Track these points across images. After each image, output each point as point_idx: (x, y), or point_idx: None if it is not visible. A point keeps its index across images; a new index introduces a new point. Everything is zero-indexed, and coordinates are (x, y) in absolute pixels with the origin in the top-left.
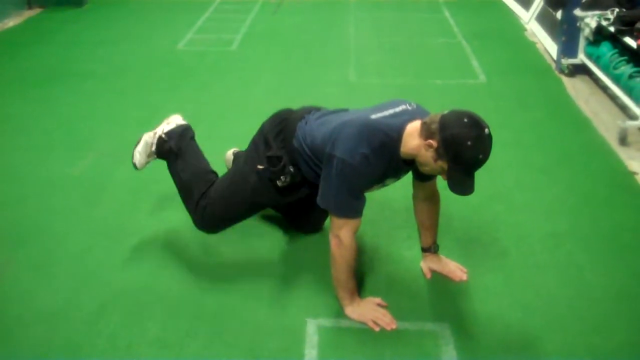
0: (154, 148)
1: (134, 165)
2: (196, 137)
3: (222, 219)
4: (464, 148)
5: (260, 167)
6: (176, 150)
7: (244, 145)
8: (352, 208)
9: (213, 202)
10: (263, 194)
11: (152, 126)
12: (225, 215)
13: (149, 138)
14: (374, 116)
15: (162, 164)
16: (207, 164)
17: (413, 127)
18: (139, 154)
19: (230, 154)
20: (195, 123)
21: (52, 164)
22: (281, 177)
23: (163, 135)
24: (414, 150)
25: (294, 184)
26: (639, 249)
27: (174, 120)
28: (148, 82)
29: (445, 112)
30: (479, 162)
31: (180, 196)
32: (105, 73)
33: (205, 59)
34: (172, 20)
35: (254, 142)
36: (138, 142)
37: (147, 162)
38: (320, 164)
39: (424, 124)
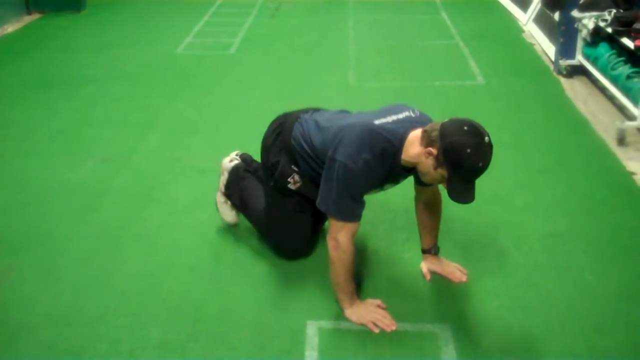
0: (229, 203)
1: (230, 224)
2: (197, 142)
3: (291, 239)
4: (463, 156)
5: (270, 184)
6: (240, 205)
7: (243, 148)
8: (352, 211)
9: (270, 232)
10: (293, 201)
11: (151, 131)
12: (289, 235)
13: (220, 198)
14: (377, 121)
15: (160, 169)
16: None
17: (414, 135)
18: (225, 215)
19: (233, 155)
20: (195, 127)
21: (53, 169)
22: (288, 179)
23: (225, 191)
24: (414, 158)
25: (309, 180)
26: (638, 249)
27: (225, 167)
28: (147, 86)
29: (446, 120)
30: (478, 171)
31: (265, 239)
32: (105, 78)
33: (204, 62)
34: (170, 25)
35: (261, 163)
36: (217, 208)
37: (236, 214)
38: (321, 163)
39: (424, 132)
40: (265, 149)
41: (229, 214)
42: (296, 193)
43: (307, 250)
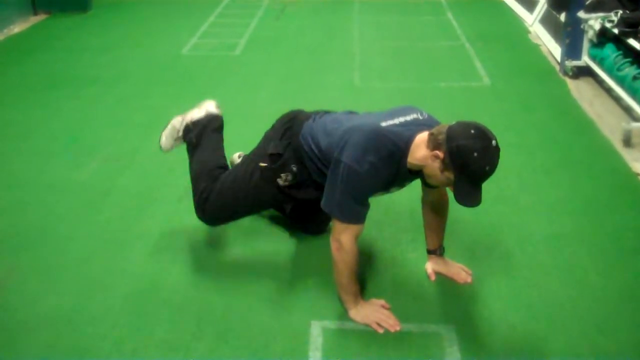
0: (180, 134)
1: (160, 147)
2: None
3: (222, 212)
4: (470, 159)
5: (262, 164)
6: (195, 142)
7: (248, 149)
8: (356, 214)
9: (216, 194)
10: (264, 192)
11: (155, 131)
12: (226, 208)
13: (177, 123)
14: (384, 124)
15: (163, 169)
16: (221, 158)
17: (421, 138)
18: (165, 137)
19: (236, 157)
20: None
21: (56, 169)
22: (281, 174)
23: (189, 123)
24: (420, 161)
25: (297, 183)
26: None
27: (206, 107)
28: (152, 87)
29: (453, 123)
30: (485, 174)
31: (191, 185)
32: (110, 78)
33: (209, 63)
34: (176, 26)
35: (263, 139)
36: (166, 126)
37: (174, 146)
38: (327, 164)
39: (431, 135)
40: (270, 138)
41: (170, 141)
42: (274, 189)
43: (215, 225)
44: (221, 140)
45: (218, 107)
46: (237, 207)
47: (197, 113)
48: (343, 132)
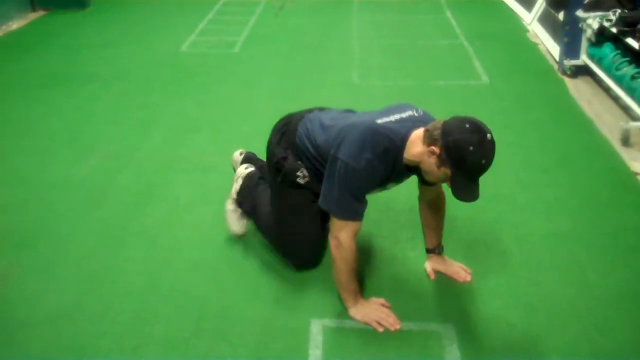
0: (240, 212)
1: (237, 235)
2: (200, 140)
3: (302, 243)
4: (466, 154)
5: (278, 179)
6: (251, 211)
7: (247, 147)
8: (354, 211)
9: (281, 237)
10: (300, 197)
11: (154, 129)
12: (295, 236)
13: (230, 207)
14: (380, 121)
15: (162, 167)
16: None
17: (417, 135)
18: (232, 225)
19: (237, 154)
20: (198, 125)
21: (56, 166)
22: (297, 174)
23: (237, 198)
24: (417, 157)
25: (316, 177)
26: None
27: (240, 175)
28: (151, 84)
29: (448, 118)
30: (482, 168)
31: (268, 241)
32: (109, 75)
33: (208, 61)
34: (175, 23)
35: (267, 155)
36: (226, 219)
37: (246, 224)
38: (324, 163)
39: (426, 131)
40: (271, 150)
41: (237, 224)
42: (306, 188)
43: (316, 258)
44: (267, 186)
45: (242, 153)
46: (302, 226)
47: (237, 185)
48: (339, 130)
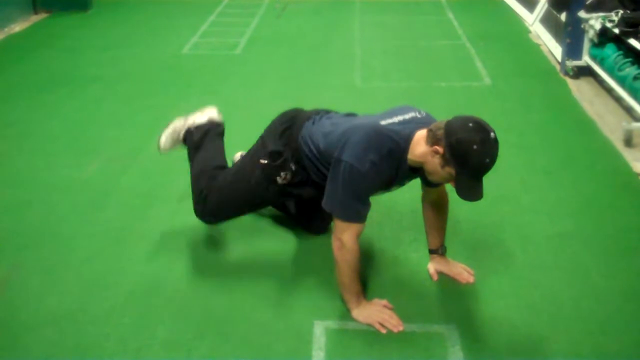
0: (181, 136)
1: (158, 147)
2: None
3: (221, 210)
4: (470, 153)
5: (262, 161)
6: (197, 145)
7: (248, 148)
8: (357, 212)
9: (215, 191)
10: (263, 189)
11: (157, 130)
12: (225, 205)
13: (179, 125)
14: (383, 122)
15: (165, 169)
16: (222, 161)
17: (420, 135)
18: (165, 138)
19: (238, 156)
20: None
21: (58, 168)
22: (281, 173)
23: (192, 127)
24: (420, 158)
25: (296, 182)
26: None
27: (208, 113)
28: (153, 86)
29: (451, 118)
30: (486, 166)
31: (191, 186)
32: (111, 77)
33: (209, 63)
34: (176, 25)
35: (262, 137)
36: (167, 126)
37: (172, 148)
38: (327, 165)
39: (429, 131)
40: (269, 135)
41: (169, 142)
42: (275, 185)
43: (216, 224)
44: (222, 145)
45: (219, 113)
46: (237, 205)
47: (199, 118)
48: (342, 131)
